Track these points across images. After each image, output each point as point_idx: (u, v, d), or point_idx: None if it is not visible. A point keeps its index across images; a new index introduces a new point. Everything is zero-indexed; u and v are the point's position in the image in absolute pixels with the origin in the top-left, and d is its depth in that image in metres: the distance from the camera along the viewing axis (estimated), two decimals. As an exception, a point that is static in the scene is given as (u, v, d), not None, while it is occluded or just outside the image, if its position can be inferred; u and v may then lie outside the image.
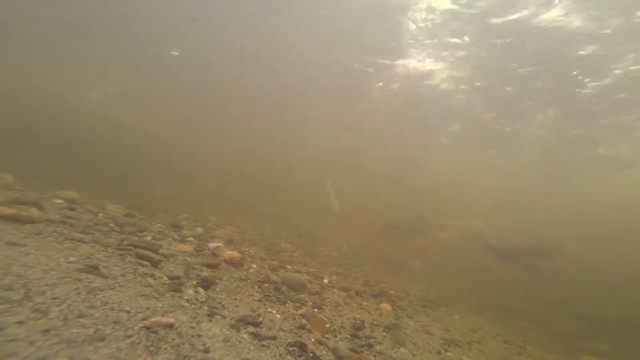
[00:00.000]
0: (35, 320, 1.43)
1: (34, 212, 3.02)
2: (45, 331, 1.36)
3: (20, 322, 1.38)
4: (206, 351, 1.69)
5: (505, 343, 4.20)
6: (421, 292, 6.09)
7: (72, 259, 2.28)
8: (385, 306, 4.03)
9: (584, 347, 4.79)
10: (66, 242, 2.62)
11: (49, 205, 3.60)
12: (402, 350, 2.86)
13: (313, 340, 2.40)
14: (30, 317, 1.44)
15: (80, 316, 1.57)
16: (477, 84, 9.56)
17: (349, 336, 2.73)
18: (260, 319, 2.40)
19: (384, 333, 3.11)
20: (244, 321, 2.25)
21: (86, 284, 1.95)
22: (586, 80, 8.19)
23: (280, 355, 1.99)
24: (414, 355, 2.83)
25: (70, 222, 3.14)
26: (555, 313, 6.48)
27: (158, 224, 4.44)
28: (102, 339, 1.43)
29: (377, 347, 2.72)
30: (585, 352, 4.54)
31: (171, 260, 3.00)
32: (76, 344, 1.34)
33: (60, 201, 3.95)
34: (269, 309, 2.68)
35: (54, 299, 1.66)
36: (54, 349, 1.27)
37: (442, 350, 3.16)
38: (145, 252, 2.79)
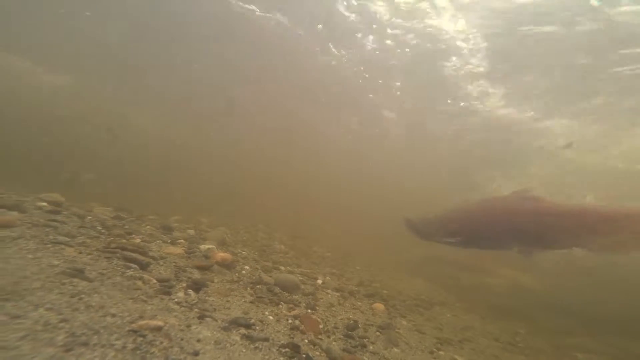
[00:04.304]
0: (11, 325, 1.37)
1: (14, 215, 2.90)
2: (22, 337, 1.30)
3: (-4, 328, 1.32)
4: (196, 354, 1.65)
5: (496, 341, 4.27)
6: (414, 292, 6.14)
7: (56, 262, 2.20)
8: (379, 306, 4.04)
9: (571, 343, 4.91)
10: (49, 245, 2.52)
11: (31, 209, 3.46)
12: (395, 350, 2.86)
13: (306, 341, 2.38)
14: (5, 322, 1.38)
15: (63, 321, 1.51)
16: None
17: (342, 336, 2.72)
18: (253, 320, 2.36)
19: (377, 333, 3.11)
20: (235, 323, 2.21)
21: (70, 287, 1.88)
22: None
23: (272, 357, 1.96)
24: (406, 354, 2.84)
25: (54, 225, 3.03)
26: (543, 310, 6.63)
27: (148, 226, 4.33)
28: (85, 344, 1.38)
29: (371, 347, 2.72)
30: (573, 348, 4.66)
31: (161, 263, 2.93)
32: (56, 350, 1.29)
33: (43, 204, 3.81)
34: (262, 311, 2.65)
35: (33, 303, 1.59)
36: (30, 355, 1.22)
37: (435, 350, 3.18)
38: (134, 255, 2.71)
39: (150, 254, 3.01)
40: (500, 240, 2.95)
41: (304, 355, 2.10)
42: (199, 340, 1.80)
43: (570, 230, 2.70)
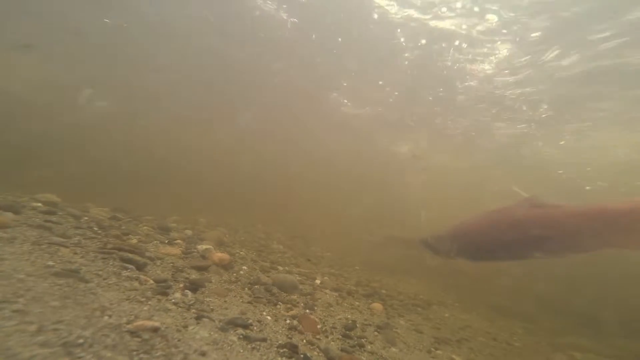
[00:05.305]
0: (5, 327, 1.35)
1: (9, 216, 2.88)
2: (17, 338, 1.29)
3: (-10, 330, 1.30)
4: (193, 354, 1.64)
5: (493, 340, 4.28)
6: (412, 292, 6.14)
7: (51, 263, 2.18)
8: (377, 306, 4.04)
9: (568, 342, 4.93)
10: (44, 246, 2.50)
11: (26, 209, 3.43)
12: (393, 349, 2.86)
13: (304, 341, 2.37)
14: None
15: (58, 322, 1.49)
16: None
17: (340, 336, 2.72)
18: (250, 321, 2.35)
19: (376, 333, 3.11)
20: (233, 323, 2.20)
21: (65, 288, 1.86)
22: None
23: (270, 357, 1.95)
24: (404, 354, 2.84)
25: (49, 226, 3.00)
26: (541, 309, 6.66)
27: (145, 227, 4.31)
28: (81, 345, 1.37)
29: (369, 347, 2.71)
30: (571, 347, 4.67)
31: (158, 264, 2.91)
32: (52, 351, 1.28)
33: (39, 204, 3.78)
34: (260, 311, 2.64)
35: (27, 305, 1.57)
36: (24, 356, 1.20)
37: (433, 349, 3.18)
38: (131, 256, 2.70)
39: (147, 254, 2.99)
40: (520, 250, 2.85)
41: (302, 355, 2.09)
42: (196, 341, 1.79)
43: (595, 231, 2.54)
